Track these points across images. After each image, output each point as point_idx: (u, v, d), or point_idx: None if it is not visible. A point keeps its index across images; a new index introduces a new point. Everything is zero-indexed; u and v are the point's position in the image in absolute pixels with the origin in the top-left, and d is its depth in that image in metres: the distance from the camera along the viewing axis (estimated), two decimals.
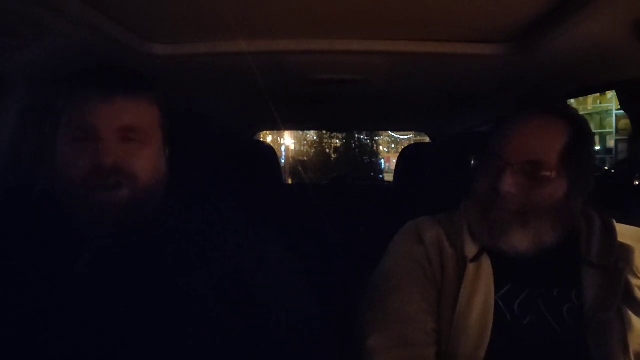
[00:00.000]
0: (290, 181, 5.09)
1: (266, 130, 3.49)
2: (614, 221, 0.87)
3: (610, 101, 5.34)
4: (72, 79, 0.82)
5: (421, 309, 0.86)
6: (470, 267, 0.85)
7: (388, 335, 0.84)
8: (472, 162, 0.93)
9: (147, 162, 0.80)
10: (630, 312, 0.79)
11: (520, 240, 0.82)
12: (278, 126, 3.09)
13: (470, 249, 0.87)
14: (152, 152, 0.82)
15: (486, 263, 0.86)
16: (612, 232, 0.85)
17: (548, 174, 0.81)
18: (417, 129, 3.51)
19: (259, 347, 0.81)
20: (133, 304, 0.75)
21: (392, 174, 2.43)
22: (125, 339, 0.73)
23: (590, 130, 0.90)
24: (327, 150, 8.55)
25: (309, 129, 6.44)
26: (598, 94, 5.18)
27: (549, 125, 0.84)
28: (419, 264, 0.90)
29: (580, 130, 0.85)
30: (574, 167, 0.82)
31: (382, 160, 8.72)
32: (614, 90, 1.44)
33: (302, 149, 8.83)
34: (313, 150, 8.64)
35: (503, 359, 0.81)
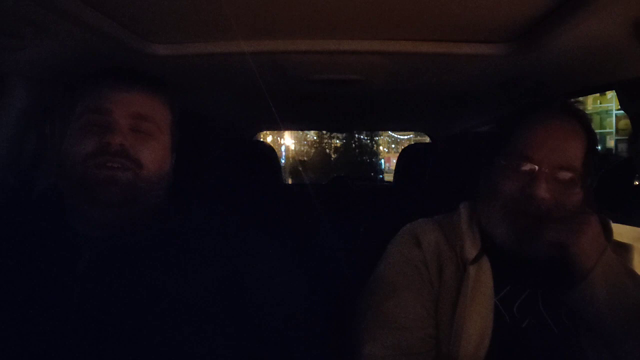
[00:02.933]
0: (290, 181, 5.09)
1: (266, 130, 3.49)
2: (611, 221, 0.87)
3: (610, 101, 5.33)
4: (90, 73, 0.84)
5: (417, 315, 0.84)
6: (471, 269, 0.84)
7: (383, 343, 0.82)
8: (488, 161, 0.90)
9: (153, 154, 0.82)
10: None
11: (547, 247, 0.81)
12: (278, 126, 3.10)
13: (471, 251, 0.86)
14: (159, 147, 0.84)
15: (486, 265, 0.85)
16: (609, 232, 0.85)
17: (577, 179, 0.81)
18: (417, 129, 3.51)
19: (259, 348, 0.81)
20: (131, 304, 0.75)
21: (392, 174, 2.43)
22: (123, 339, 0.73)
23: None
24: (327, 150, 8.53)
25: (309, 129, 6.43)
26: (598, 94, 5.17)
27: (575, 130, 0.84)
28: (415, 268, 0.88)
29: (593, 136, 0.86)
30: (589, 173, 0.83)
31: (382, 160, 8.71)
32: (614, 90, 1.44)
33: (302, 149, 8.82)
34: (313, 150, 8.63)
35: None
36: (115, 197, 0.77)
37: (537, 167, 0.81)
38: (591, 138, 0.85)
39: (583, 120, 0.86)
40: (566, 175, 0.81)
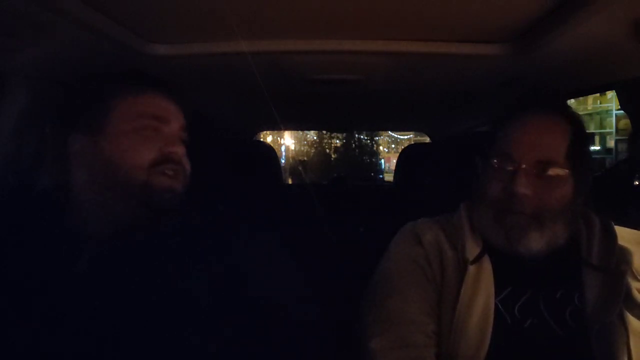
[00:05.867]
0: (290, 181, 5.09)
1: (266, 130, 3.49)
2: (613, 224, 0.87)
3: (610, 101, 5.33)
4: (121, 77, 0.88)
5: (421, 310, 0.85)
6: (471, 269, 0.85)
7: (389, 337, 0.83)
8: (479, 163, 0.91)
9: (189, 164, 0.88)
10: (630, 315, 0.79)
11: (536, 243, 0.82)
12: (278, 126, 3.09)
13: (471, 251, 0.86)
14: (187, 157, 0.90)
15: (487, 265, 0.85)
16: (612, 234, 0.85)
17: (558, 173, 0.81)
18: (417, 129, 3.51)
19: (259, 347, 0.81)
20: (132, 303, 0.75)
21: (392, 174, 2.42)
22: (125, 338, 0.73)
23: (586, 129, 0.90)
24: (327, 150, 8.54)
25: (309, 129, 6.44)
26: (598, 94, 5.17)
27: (554, 125, 0.84)
28: (418, 265, 0.89)
29: (579, 129, 0.85)
30: (578, 167, 0.83)
31: (382, 160, 8.71)
32: (614, 90, 1.44)
33: (302, 149, 8.82)
34: (313, 150, 8.63)
35: None
36: (167, 202, 0.81)
37: (516, 164, 0.82)
38: (578, 132, 0.84)
39: (567, 114, 0.86)
40: (547, 169, 0.81)
